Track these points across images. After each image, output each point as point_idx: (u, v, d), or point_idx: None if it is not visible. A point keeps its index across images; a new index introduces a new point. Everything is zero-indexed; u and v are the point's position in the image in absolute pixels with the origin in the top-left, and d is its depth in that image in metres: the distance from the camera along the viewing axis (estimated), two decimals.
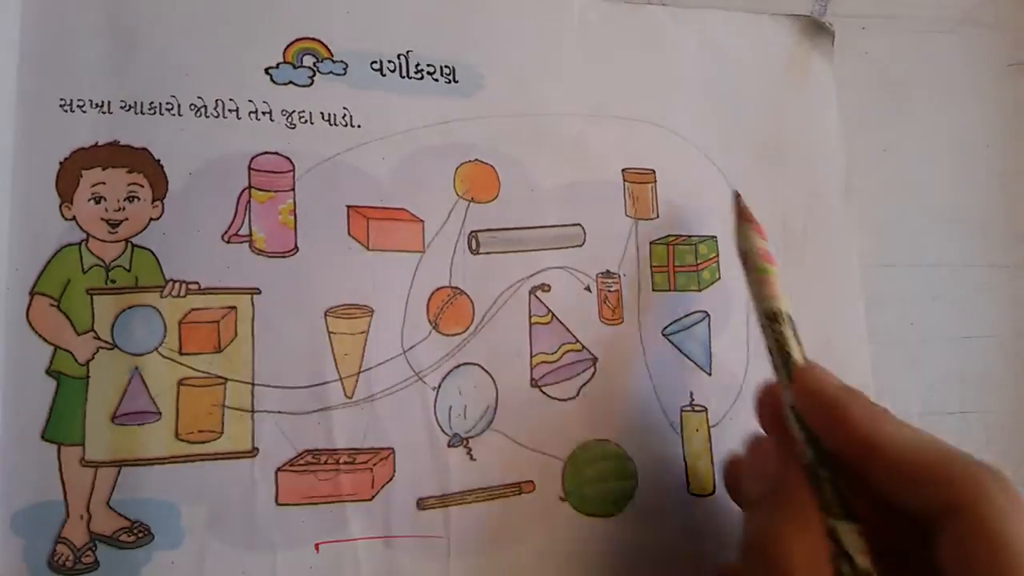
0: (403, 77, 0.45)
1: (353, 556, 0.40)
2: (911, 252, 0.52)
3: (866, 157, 0.53)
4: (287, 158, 0.43)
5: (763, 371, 0.47)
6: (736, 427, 0.46)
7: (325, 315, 0.42)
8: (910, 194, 0.53)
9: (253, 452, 0.40)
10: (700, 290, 0.48)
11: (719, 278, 0.48)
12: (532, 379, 0.44)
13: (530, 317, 0.45)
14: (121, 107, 0.41)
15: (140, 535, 0.38)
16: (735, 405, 0.47)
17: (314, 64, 0.44)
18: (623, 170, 0.48)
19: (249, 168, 0.42)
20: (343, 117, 0.44)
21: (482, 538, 0.42)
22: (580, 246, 0.46)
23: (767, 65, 0.52)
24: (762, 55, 0.52)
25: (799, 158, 0.51)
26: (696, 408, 0.46)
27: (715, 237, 0.48)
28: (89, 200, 0.40)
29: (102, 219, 0.40)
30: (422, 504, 0.42)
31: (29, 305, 0.38)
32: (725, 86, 0.51)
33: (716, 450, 0.46)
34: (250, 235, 0.42)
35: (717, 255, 0.48)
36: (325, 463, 0.41)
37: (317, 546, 0.40)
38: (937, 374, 0.51)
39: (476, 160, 0.46)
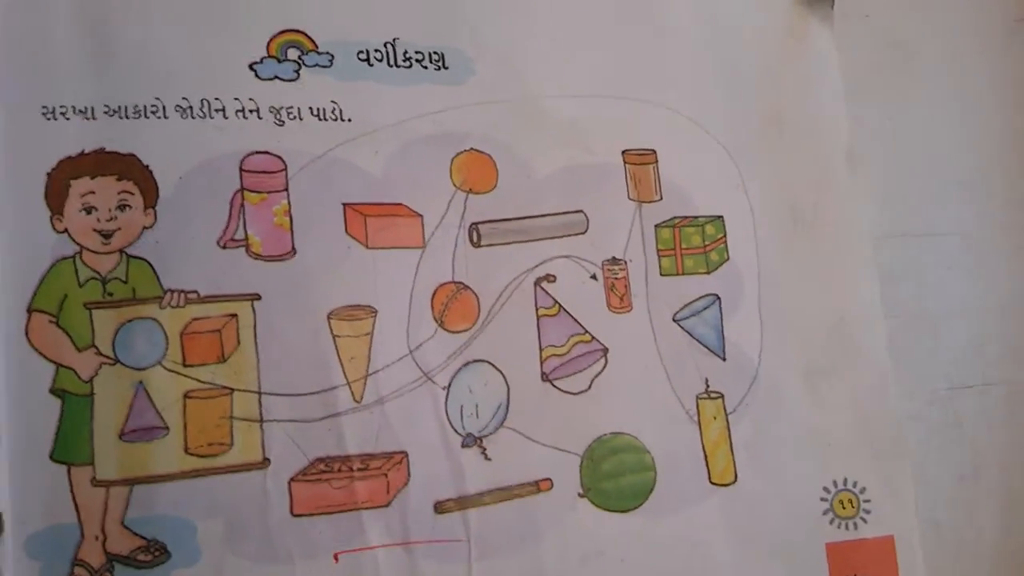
0: (391, 66, 0.47)
1: (373, 564, 0.43)
2: (922, 221, 0.55)
3: (871, 124, 0.55)
4: (278, 157, 0.45)
5: (779, 353, 0.50)
6: (754, 412, 0.49)
7: (328, 318, 0.44)
8: (918, 160, 0.55)
9: (264, 463, 0.42)
10: (709, 272, 0.50)
11: (728, 258, 0.51)
12: (543, 373, 0.47)
13: (537, 309, 0.48)
14: (105, 112, 0.42)
15: (157, 554, 0.40)
16: (752, 389, 0.49)
17: (299, 57, 0.46)
18: (623, 152, 0.50)
19: (240, 169, 0.44)
20: (332, 111, 0.46)
21: (502, 539, 0.45)
22: (583, 233, 0.49)
23: (764, 32, 0.54)
24: (758, 22, 0.54)
25: (801, 129, 0.53)
26: (712, 395, 0.49)
27: (721, 216, 0.51)
28: (80, 211, 0.42)
29: (94, 230, 0.42)
30: (440, 507, 0.44)
31: (28, 323, 0.40)
32: (721, 57, 0.53)
33: (735, 437, 0.49)
34: (246, 239, 0.44)
35: (724, 235, 0.51)
36: (338, 471, 0.43)
37: (336, 556, 0.42)
38: (957, 347, 0.54)
39: (472, 149, 0.48)
